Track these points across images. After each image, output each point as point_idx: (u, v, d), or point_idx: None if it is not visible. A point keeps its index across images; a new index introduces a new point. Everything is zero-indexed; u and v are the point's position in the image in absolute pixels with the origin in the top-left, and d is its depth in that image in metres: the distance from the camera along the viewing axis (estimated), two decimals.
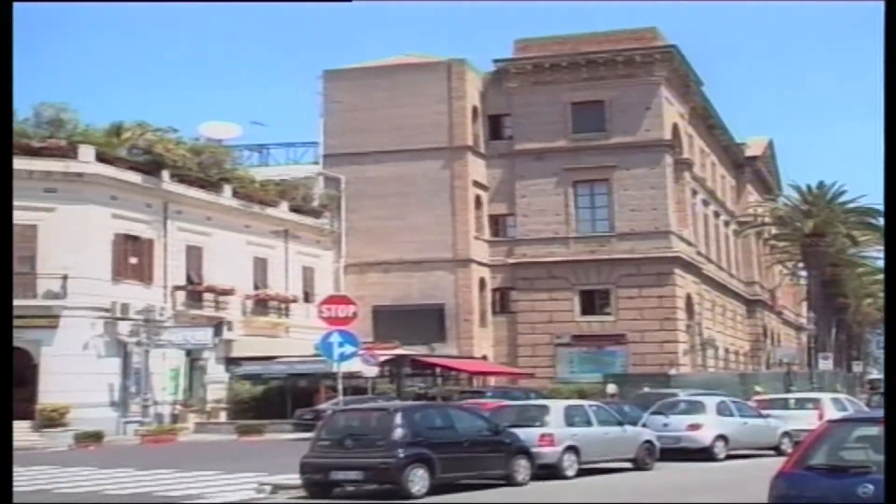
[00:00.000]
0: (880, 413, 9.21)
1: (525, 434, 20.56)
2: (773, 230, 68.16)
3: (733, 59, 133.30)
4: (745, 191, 75.44)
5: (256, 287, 47.77)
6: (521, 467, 19.70)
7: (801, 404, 30.87)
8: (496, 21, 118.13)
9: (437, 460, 17.91)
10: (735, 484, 19.32)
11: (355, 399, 34.01)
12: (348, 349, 25.11)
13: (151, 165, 42.53)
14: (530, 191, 54.08)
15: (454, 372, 49.77)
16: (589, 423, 22.49)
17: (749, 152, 74.80)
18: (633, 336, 52.03)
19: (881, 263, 63.51)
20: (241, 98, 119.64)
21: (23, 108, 41.09)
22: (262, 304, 47.87)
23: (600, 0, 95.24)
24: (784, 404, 31.25)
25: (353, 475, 18.01)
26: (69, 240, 38.43)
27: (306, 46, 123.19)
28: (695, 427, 25.98)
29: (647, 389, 37.03)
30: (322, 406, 36.49)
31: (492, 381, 50.92)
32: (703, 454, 25.38)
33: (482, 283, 54.06)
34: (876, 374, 74.66)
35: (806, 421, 25.94)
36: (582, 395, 38.85)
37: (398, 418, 18.20)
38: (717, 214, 67.26)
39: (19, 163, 37.43)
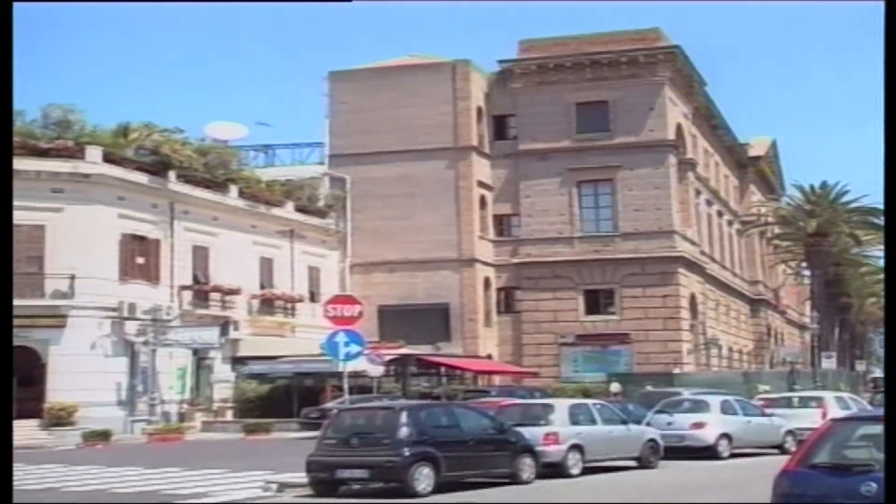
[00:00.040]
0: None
1: (530, 433, 20.62)
2: (777, 230, 68.26)
3: (737, 60, 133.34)
4: (749, 190, 75.49)
5: (262, 287, 47.93)
6: (526, 466, 19.75)
7: (804, 403, 30.84)
8: (500, 22, 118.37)
9: (443, 459, 17.96)
10: (739, 482, 19.37)
11: (361, 398, 34.17)
12: (354, 348, 25.30)
13: (158, 166, 42.72)
14: (535, 191, 54.22)
15: (459, 371, 49.88)
16: (593, 422, 22.54)
17: (752, 152, 74.83)
18: (638, 335, 52.16)
19: None
20: (246, 99, 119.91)
21: (31, 110, 41.47)
22: (268, 304, 48.04)
23: (604, 1, 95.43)
24: (788, 403, 31.21)
25: (358, 473, 18.08)
26: (77, 240, 38.63)
27: (312, 48, 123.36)
28: (699, 426, 26.04)
29: (649, 388, 37.17)
30: (328, 405, 36.61)
31: (496, 380, 51.12)
32: (707, 453, 25.42)
33: (487, 282, 54.21)
34: (879, 372, 74.51)
35: (809, 419, 25.93)
36: (586, 394, 38.96)
37: (404, 417, 18.27)
38: (720, 214, 67.34)
39: (27, 163, 37.75)
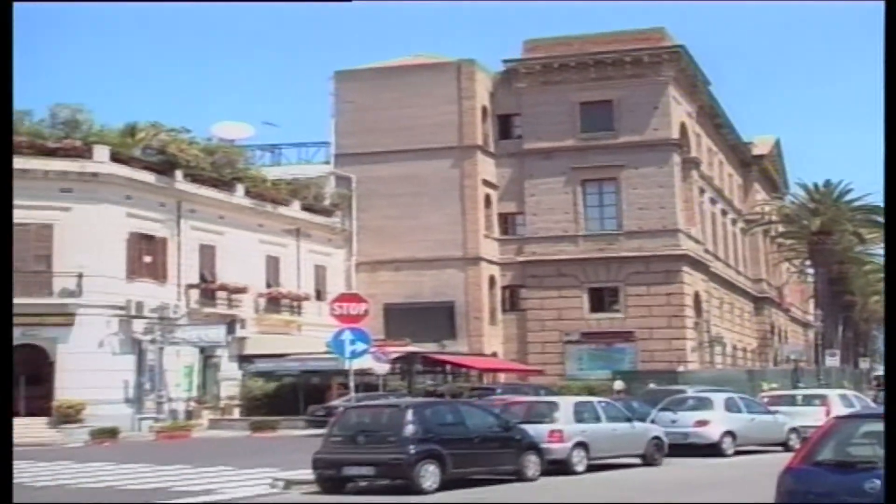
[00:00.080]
0: None
1: (535, 430, 20.71)
2: (781, 228, 68.34)
3: (740, 59, 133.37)
4: (753, 189, 75.54)
5: (269, 285, 48.09)
6: (531, 463, 19.84)
7: (808, 401, 30.77)
8: (505, 21, 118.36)
9: (448, 456, 18.06)
10: (743, 480, 19.44)
11: (367, 396, 34.45)
12: (360, 346, 25.43)
13: (165, 165, 42.91)
14: (539, 189, 54.33)
15: (464, 369, 50.03)
16: (598, 420, 22.66)
17: (756, 151, 74.86)
18: (642, 333, 52.26)
19: None
20: (253, 98, 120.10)
21: (39, 109, 41.80)
22: (274, 302, 48.21)
23: (608, 0, 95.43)
24: (791, 401, 31.14)
25: (365, 471, 18.16)
26: (84, 239, 38.83)
27: (318, 48, 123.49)
28: (703, 423, 26.12)
29: (653, 386, 37.29)
30: (334, 403, 36.85)
31: (501, 377, 51.27)
32: (711, 450, 25.48)
33: (492, 280, 54.34)
34: (882, 370, 74.73)
35: (813, 417, 25.97)
36: (591, 391, 39.01)
37: (409, 415, 18.37)
38: (724, 212, 67.42)
39: (35, 163, 38.04)
